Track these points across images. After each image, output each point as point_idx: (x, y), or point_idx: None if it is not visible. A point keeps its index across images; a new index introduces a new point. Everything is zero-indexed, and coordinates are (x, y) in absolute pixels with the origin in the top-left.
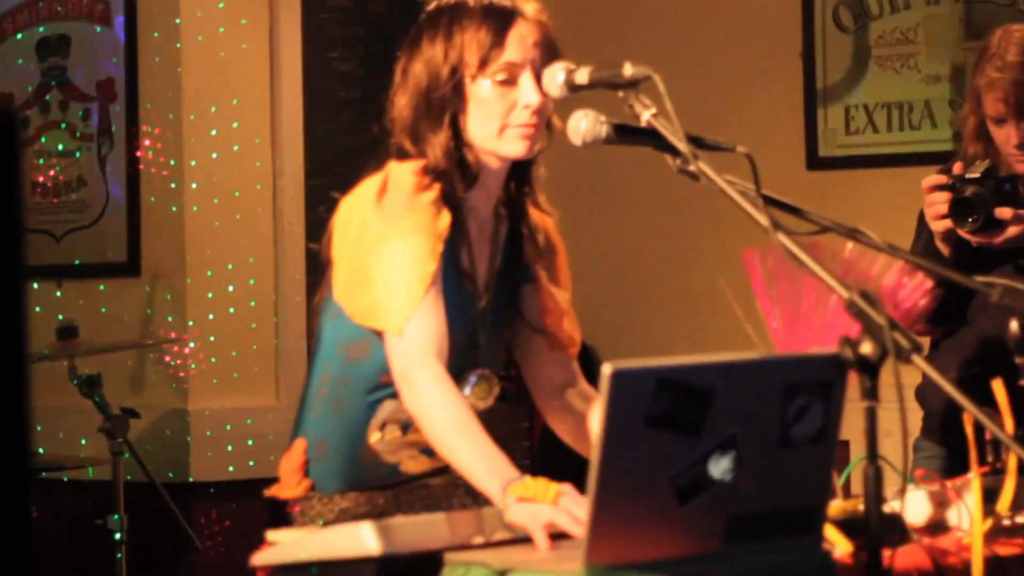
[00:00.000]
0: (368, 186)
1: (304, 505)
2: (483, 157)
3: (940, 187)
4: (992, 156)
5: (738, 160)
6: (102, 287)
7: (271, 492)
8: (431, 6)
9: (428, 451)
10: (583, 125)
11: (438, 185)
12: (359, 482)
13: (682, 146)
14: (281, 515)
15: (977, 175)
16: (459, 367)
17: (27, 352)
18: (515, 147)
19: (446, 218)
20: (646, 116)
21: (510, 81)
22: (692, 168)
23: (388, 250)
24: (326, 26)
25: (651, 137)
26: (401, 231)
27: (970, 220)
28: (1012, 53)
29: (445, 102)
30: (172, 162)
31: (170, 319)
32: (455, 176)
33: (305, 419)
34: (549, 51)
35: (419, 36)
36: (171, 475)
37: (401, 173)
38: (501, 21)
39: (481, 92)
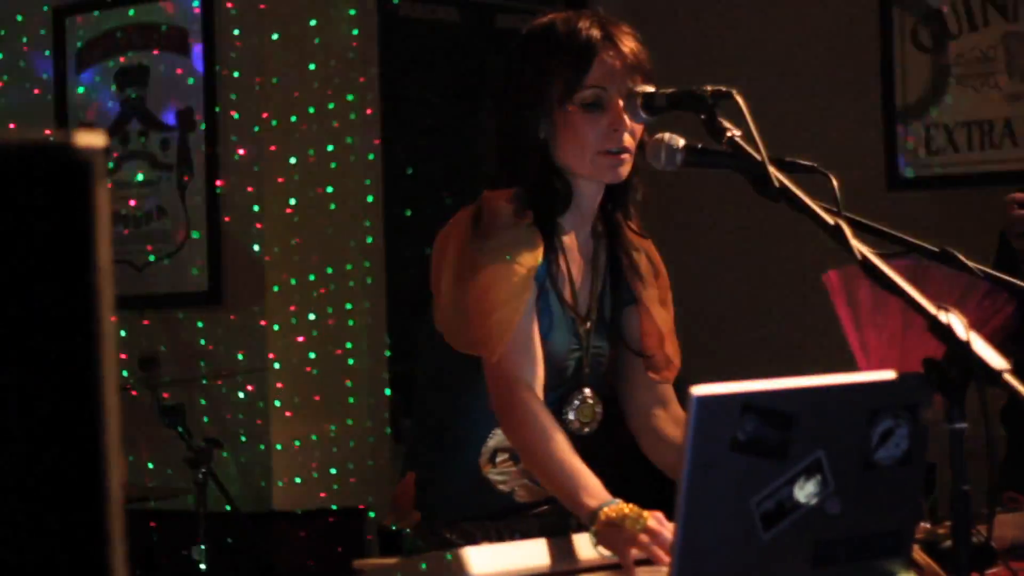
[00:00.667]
0: (463, 216)
1: (415, 534)
2: (575, 182)
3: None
4: None
5: (818, 180)
6: (183, 316)
7: (385, 523)
8: (524, 33)
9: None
10: (663, 149)
11: (531, 212)
12: (471, 512)
13: (764, 167)
14: (393, 544)
15: None
16: (563, 391)
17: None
18: (606, 172)
19: (540, 245)
20: (726, 138)
21: (599, 106)
22: (773, 189)
23: (483, 278)
24: (403, 52)
25: (731, 158)
26: (495, 259)
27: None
28: None
29: (536, 129)
30: (252, 191)
31: (252, 349)
32: (549, 202)
33: (415, 451)
34: (639, 75)
35: (510, 64)
36: (253, 505)
37: (494, 201)
38: (590, 47)
39: (571, 118)
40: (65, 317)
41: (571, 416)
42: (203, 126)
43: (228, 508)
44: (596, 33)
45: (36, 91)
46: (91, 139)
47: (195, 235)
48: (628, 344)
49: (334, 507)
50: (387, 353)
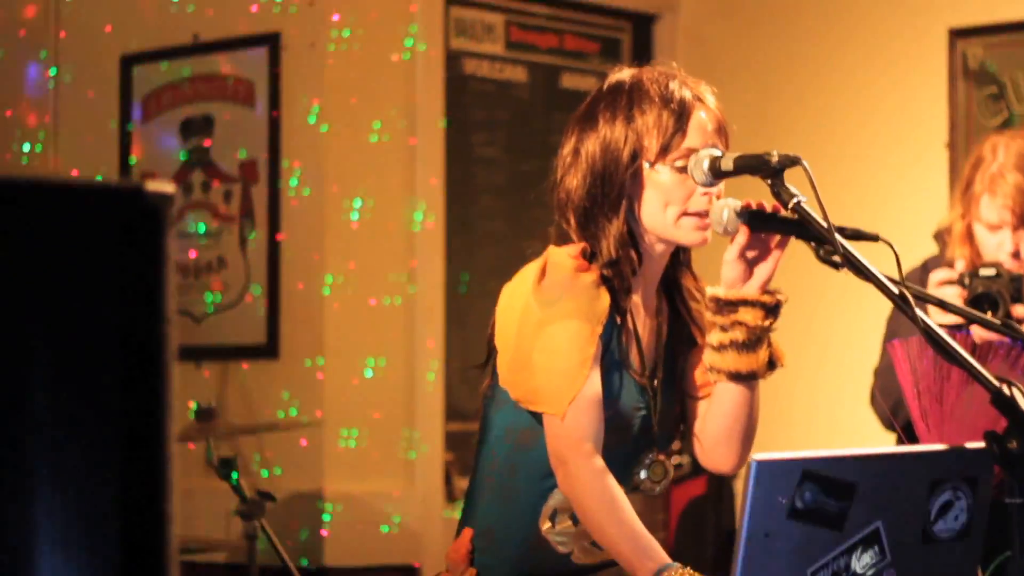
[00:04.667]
0: (528, 271)
1: None
2: (650, 241)
3: (950, 283)
4: (975, 260)
5: (878, 250)
6: (240, 368)
7: None
8: (606, 86)
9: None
10: (725, 215)
11: (597, 268)
12: (528, 571)
13: (829, 234)
14: None
15: (992, 272)
16: (633, 450)
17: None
18: (692, 236)
19: (605, 300)
20: (792, 204)
21: (687, 168)
22: (836, 258)
23: (548, 334)
24: (469, 110)
25: (792, 225)
26: (561, 315)
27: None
28: (1014, 163)
29: (623, 187)
30: (313, 244)
31: (306, 402)
32: (624, 264)
33: (473, 507)
34: (723, 138)
35: (594, 115)
36: (305, 560)
37: (560, 257)
38: (683, 107)
39: (660, 178)
40: (132, 363)
41: (643, 475)
42: (266, 178)
43: (280, 562)
44: (688, 93)
45: (101, 140)
46: (161, 186)
47: (255, 287)
48: (690, 392)
49: (386, 564)
50: (443, 410)
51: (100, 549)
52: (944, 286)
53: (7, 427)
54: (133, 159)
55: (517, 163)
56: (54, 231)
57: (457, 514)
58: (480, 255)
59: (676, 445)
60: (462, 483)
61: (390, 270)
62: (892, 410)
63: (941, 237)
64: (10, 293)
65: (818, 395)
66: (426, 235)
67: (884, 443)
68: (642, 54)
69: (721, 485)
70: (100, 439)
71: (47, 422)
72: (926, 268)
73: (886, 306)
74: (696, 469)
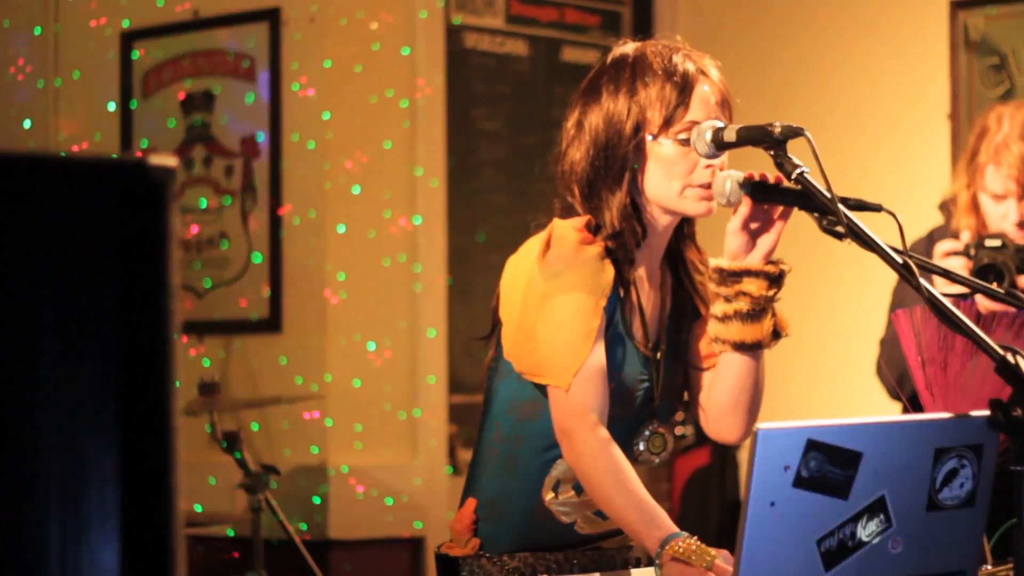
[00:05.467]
0: (532, 244)
1: (473, 564)
2: (654, 214)
3: (956, 254)
4: (980, 231)
5: (881, 221)
6: (243, 343)
7: (443, 549)
8: (609, 59)
9: (602, 513)
10: (728, 186)
11: (601, 240)
12: (531, 542)
13: (832, 204)
14: (451, 573)
15: (998, 243)
16: (634, 421)
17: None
18: (696, 207)
19: (609, 273)
20: (795, 175)
21: (690, 141)
22: (840, 228)
23: (553, 307)
24: (469, 84)
25: (795, 196)
26: (565, 287)
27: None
28: (1019, 133)
29: (626, 159)
30: (314, 218)
31: (310, 376)
32: (628, 235)
33: (476, 478)
34: (727, 111)
35: (597, 88)
36: (309, 532)
37: (564, 229)
38: (686, 79)
39: (663, 151)
40: (137, 336)
41: (642, 447)
42: (267, 153)
43: (285, 535)
44: (691, 66)
45: (102, 116)
46: (164, 160)
47: (257, 261)
48: (694, 363)
49: (390, 536)
50: (447, 381)
51: (107, 523)
52: (949, 257)
53: (13, 400)
54: (134, 136)
55: (518, 137)
56: (59, 205)
57: (461, 486)
58: (483, 228)
59: (679, 416)
60: (466, 455)
61: (392, 244)
62: (898, 382)
63: (947, 207)
64: (15, 268)
65: (822, 365)
66: (428, 207)
67: (890, 413)
68: (643, 27)
69: (725, 455)
70: (106, 413)
71: (53, 397)
72: (932, 238)
73: (892, 276)
74: (700, 440)
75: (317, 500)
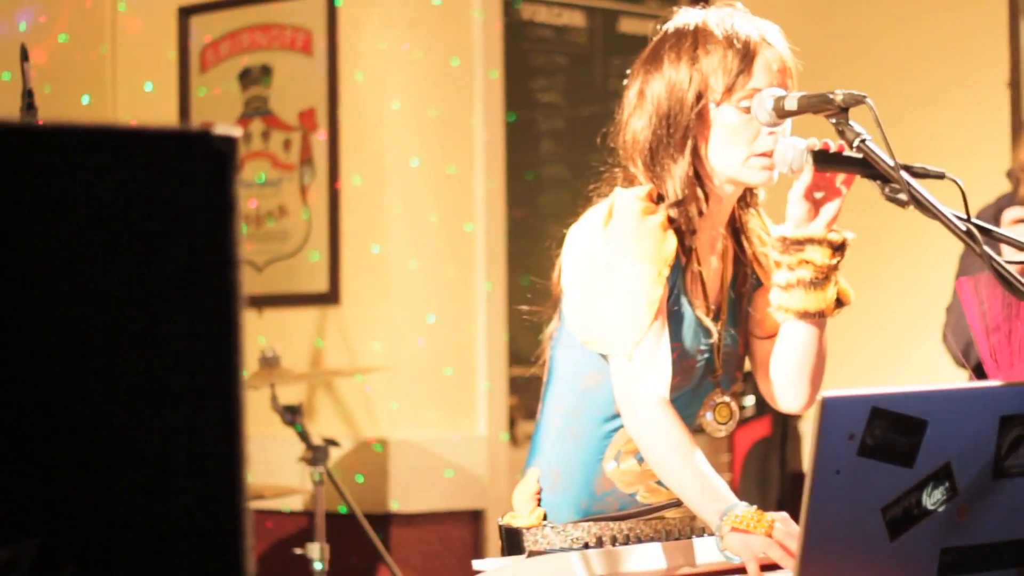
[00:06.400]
0: (594, 214)
1: (538, 534)
2: (717, 183)
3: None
4: None
5: (943, 188)
6: (303, 316)
7: (505, 521)
8: (672, 27)
9: None
10: (790, 153)
11: (664, 210)
12: (594, 511)
13: (895, 172)
14: (515, 544)
15: None
16: (696, 391)
17: (242, 380)
18: (758, 176)
19: (672, 243)
20: (857, 142)
21: (752, 108)
22: (903, 195)
23: (615, 276)
24: (527, 56)
25: (858, 164)
26: (628, 257)
27: None
28: None
29: (688, 128)
30: (373, 191)
31: (369, 348)
32: (690, 204)
33: (539, 448)
34: (789, 78)
35: (658, 58)
36: (371, 506)
37: (627, 198)
38: (748, 47)
39: (725, 118)
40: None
41: (708, 417)
42: (326, 126)
43: (344, 508)
44: (753, 33)
45: (160, 91)
46: (227, 130)
47: (315, 234)
48: (756, 332)
49: (452, 509)
50: (507, 353)
51: (176, 492)
52: (1017, 224)
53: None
54: (191, 111)
55: (576, 108)
56: (123, 177)
57: (520, 457)
58: (541, 199)
59: (738, 387)
60: (526, 427)
61: (451, 215)
62: (964, 350)
63: (1014, 175)
64: (81, 241)
65: (886, 333)
66: (487, 178)
67: (956, 380)
68: None
69: (786, 426)
70: (174, 388)
71: (120, 373)
72: (999, 205)
73: (957, 244)
74: (760, 410)
75: (378, 474)
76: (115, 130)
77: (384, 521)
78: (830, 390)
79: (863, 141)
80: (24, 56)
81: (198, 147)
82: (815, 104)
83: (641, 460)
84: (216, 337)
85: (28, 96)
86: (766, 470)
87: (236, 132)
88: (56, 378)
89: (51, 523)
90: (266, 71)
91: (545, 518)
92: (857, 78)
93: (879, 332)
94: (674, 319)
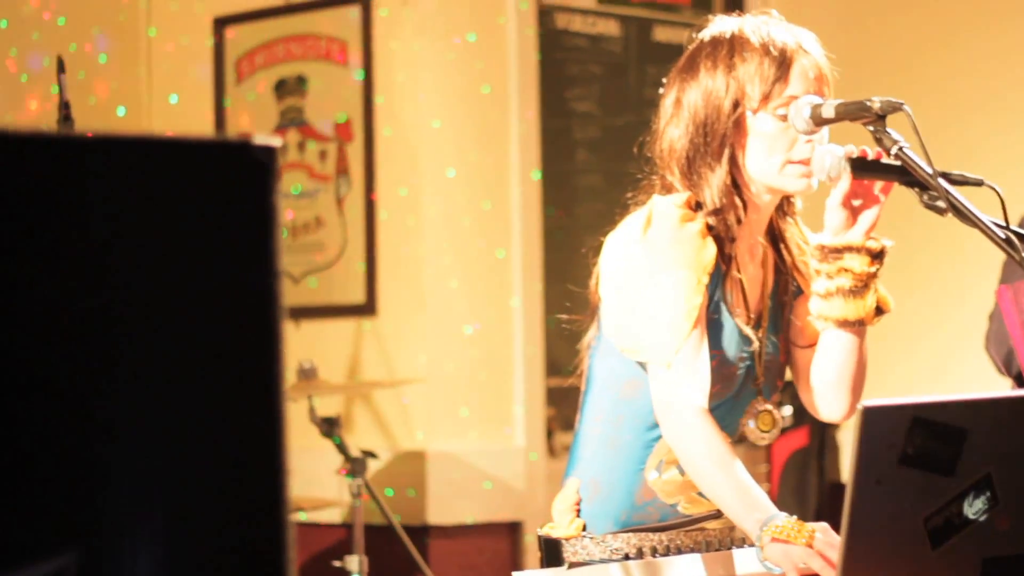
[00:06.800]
0: (632, 221)
1: (577, 545)
2: (757, 191)
3: None
4: None
5: (983, 196)
6: (340, 327)
7: (544, 532)
8: (708, 36)
9: None
10: (828, 161)
11: (703, 217)
12: (634, 522)
13: (933, 179)
14: (554, 554)
15: None
16: (737, 399)
17: (284, 392)
18: (795, 184)
19: (711, 250)
20: (895, 150)
21: (788, 116)
22: (941, 203)
23: (654, 284)
24: (562, 65)
25: (895, 171)
26: (667, 264)
27: None
28: None
29: (725, 136)
30: (409, 202)
31: (405, 359)
32: (728, 212)
33: (578, 458)
34: (826, 85)
35: (695, 66)
36: (408, 518)
37: (666, 206)
38: (784, 54)
39: (763, 126)
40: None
41: (751, 425)
42: (361, 137)
43: (383, 520)
44: (790, 40)
45: (195, 102)
46: (267, 140)
47: (352, 246)
48: (797, 341)
49: (490, 521)
50: (543, 363)
51: (218, 505)
52: None
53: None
54: (227, 122)
55: (611, 117)
56: (164, 187)
57: (558, 468)
58: (577, 209)
59: (776, 397)
60: (563, 438)
61: (487, 226)
62: (1004, 360)
63: None
64: (123, 250)
65: (927, 341)
66: (522, 189)
67: (998, 388)
68: (734, 4)
69: (824, 436)
70: (215, 395)
71: (161, 384)
72: None
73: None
74: (798, 420)
75: (416, 486)
76: (156, 140)
77: (422, 533)
78: (870, 399)
79: (901, 148)
80: (61, 68)
81: (238, 157)
82: (852, 112)
83: (683, 471)
84: (257, 348)
85: (65, 107)
86: (804, 480)
87: (276, 142)
88: (98, 391)
89: (96, 536)
90: (301, 82)
91: (584, 529)
92: (894, 84)
93: (924, 342)
94: (714, 327)
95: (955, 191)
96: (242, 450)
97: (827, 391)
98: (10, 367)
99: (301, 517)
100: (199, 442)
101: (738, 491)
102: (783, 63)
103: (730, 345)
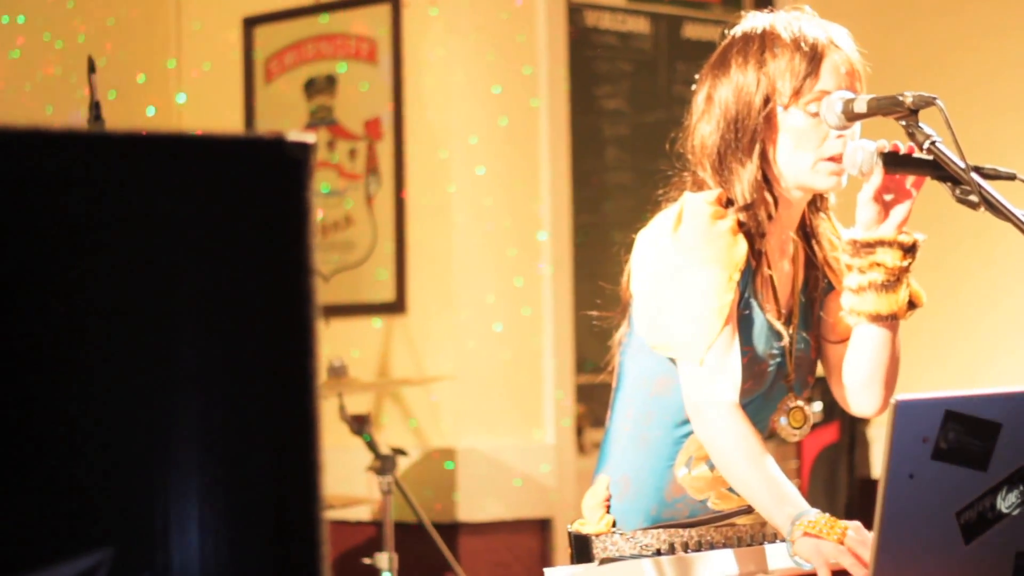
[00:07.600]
0: (663, 218)
1: (607, 541)
2: (788, 187)
3: None
4: None
5: (1016, 189)
6: (369, 325)
7: (574, 528)
8: (740, 32)
9: None
10: (859, 156)
11: (734, 214)
12: (664, 518)
13: (966, 173)
14: (584, 551)
15: None
16: (768, 396)
17: (317, 389)
18: (826, 181)
19: (743, 247)
20: (927, 144)
21: (820, 111)
22: (973, 197)
23: (685, 281)
24: (592, 63)
25: (928, 166)
26: (698, 261)
27: None
28: None
29: (756, 132)
30: (439, 201)
31: (436, 357)
32: (760, 208)
33: (608, 455)
34: (858, 80)
35: (726, 62)
36: (439, 515)
37: (697, 202)
38: (815, 49)
39: (794, 122)
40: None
41: (783, 422)
42: (391, 136)
43: (413, 517)
44: (821, 36)
45: (225, 101)
46: (301, 136)
47: (381, 244)
48: (828, 337)
49: (520, 518)
50: (574, 360)
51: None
52: None
53: (154, 383)
54: (256, 121)
55: (641, 114)
56: (199, 184)
57: (588, 465)
58: (607, 206)
59: (807, 393)
60: (594, 435)
61: (517, 223)
62: None
63: None
64: (158, 247)
65: (959, 335)
66: (552, 186)
67: None
68: (765, 0)
69: (854, 432)
70: (250, 392)
71: (195, 380)
72: None
73: None
74: (828, 416)
75: (445, 483)
76: (191, 138)
77: (452, 530)
78: (903, 394)
79: (933, 143)
80: (91, 68)
81: (273, 153)
82: (885, 107)
83: (713, 467)
84: (291, 344)
85: (95, 107)
86: (834, 476)
87: (310, 138)
88: (129, 387)
89: (128, 532)
90: (331, 81)
91: (614, 525)
92: (926, 79)
93: (958, 342)
94: (745, 323)
95: (988, 185)
96: (276, 447)
97: (860, 387)
98: (55, 361)
99: (331, 515)
100: (233, 440)
101: (770, 486)
102: (814, 58)
103: (761, 341)
